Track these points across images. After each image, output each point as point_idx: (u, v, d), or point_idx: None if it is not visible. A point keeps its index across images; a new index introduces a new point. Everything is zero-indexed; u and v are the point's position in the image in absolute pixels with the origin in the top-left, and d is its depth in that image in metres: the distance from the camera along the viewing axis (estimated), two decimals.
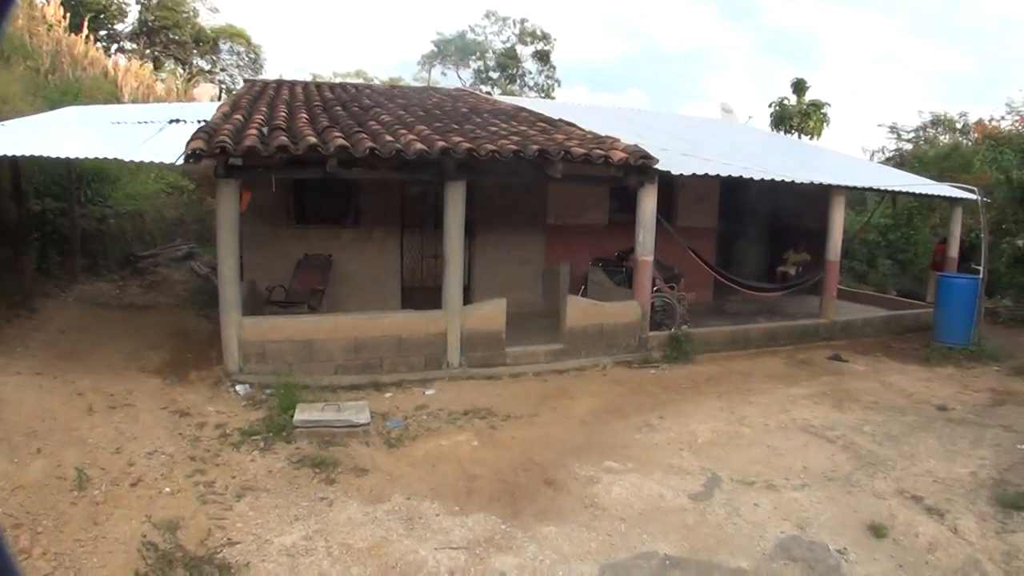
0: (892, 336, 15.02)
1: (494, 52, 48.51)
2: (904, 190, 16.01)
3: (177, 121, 12.30)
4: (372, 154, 9.66)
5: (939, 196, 16.69)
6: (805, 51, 76.70)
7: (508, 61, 47.85)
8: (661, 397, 9.93)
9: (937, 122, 35.06)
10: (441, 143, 10.00)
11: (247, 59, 39.83)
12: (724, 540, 6.03)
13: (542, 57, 48.84)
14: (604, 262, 14.32)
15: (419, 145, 9.89)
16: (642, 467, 7.40)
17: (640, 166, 11.00)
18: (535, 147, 10.38)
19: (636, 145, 11.27)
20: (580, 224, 15.21)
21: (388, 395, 9.58)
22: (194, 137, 9.15)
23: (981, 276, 13.66)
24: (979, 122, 26.15)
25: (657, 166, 11.14)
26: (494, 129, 11.85)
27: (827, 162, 17.55)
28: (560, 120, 13.67)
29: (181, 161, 9.39)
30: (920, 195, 18.33)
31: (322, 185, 12.52)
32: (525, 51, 48.71)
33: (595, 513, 6.42)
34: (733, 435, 8.47)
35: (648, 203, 11.61)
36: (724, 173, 11.91)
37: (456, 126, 11.71)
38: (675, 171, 11.35)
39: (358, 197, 13.62)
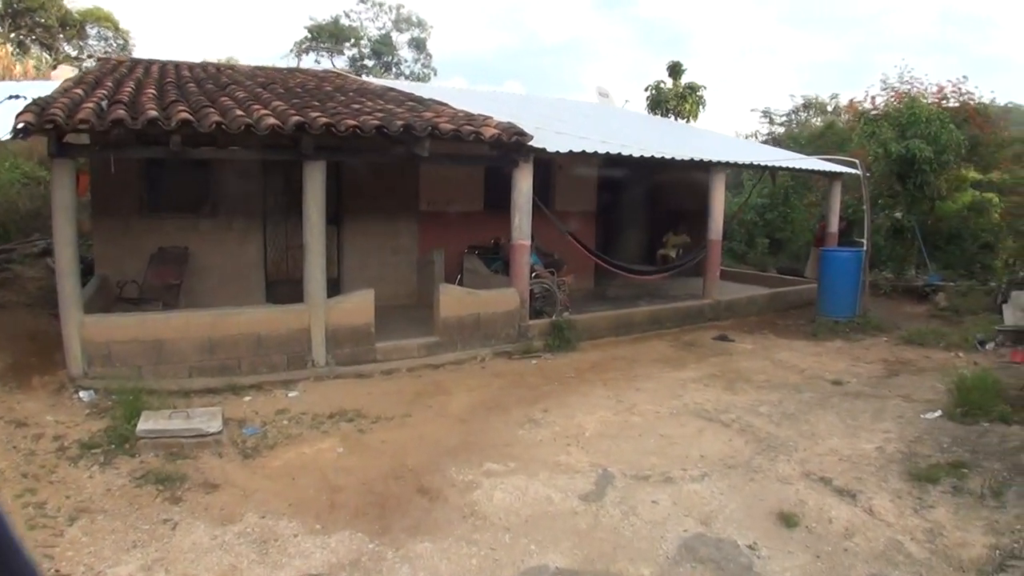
0: (776, 313, 14.80)
1: (369, 39, 47.02)
2: (786, 166, 15.79)
3: (16, 97, 10.92)
4: (219, 129, 8.64)
5: (818, 172, 16.52)
6: (679, 41, 77.94)
7: (383, 48, 46.38)
8: (544, 389, 9.20)
9: (809, 105, 35.69)
10: (297, 118, 9.03)
11: (115, 45, 37.48)
12: (622, 545, 5.28)
13: (418, 45, 47.57)
14: (480, 249, 13.60)
15: (272, 120, 8.89)
16: (526, 467, 6.62)
17: (514, 143, 10.28)
18: (400, 123, 9.52)
19: (510, 122, 10.56)
20: (455, 211, 14.38)
21: (247, 399, 8.56)
22: (24, 110, 7.98)
23: (864, 248, 13.45)
24: (851, 102, 26.52)
25: (532, 143, 10.45)
26: (357, 107, 10.91)
27: (706, 141, 17.22)
28: (431, 100, 12.85)
29: (8, 137, 8.17)
30: (797, 173, 18.29)
31: (177, 170, 11.49)
32: (401, 38, 47.36)
33: (476, 524, 5.59)
34: (623, 425, 7.78)
35: (523, 184, 10.90)
36: (602, 150, 11.26)
37: (317, 103, 10.71)
38: (551, 148, 10.65)
39: (217, 184, 12.43)
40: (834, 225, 16.39)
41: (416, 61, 47.79)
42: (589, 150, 11.12)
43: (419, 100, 12.75)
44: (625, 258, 16.12)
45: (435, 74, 47.67)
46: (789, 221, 22.28)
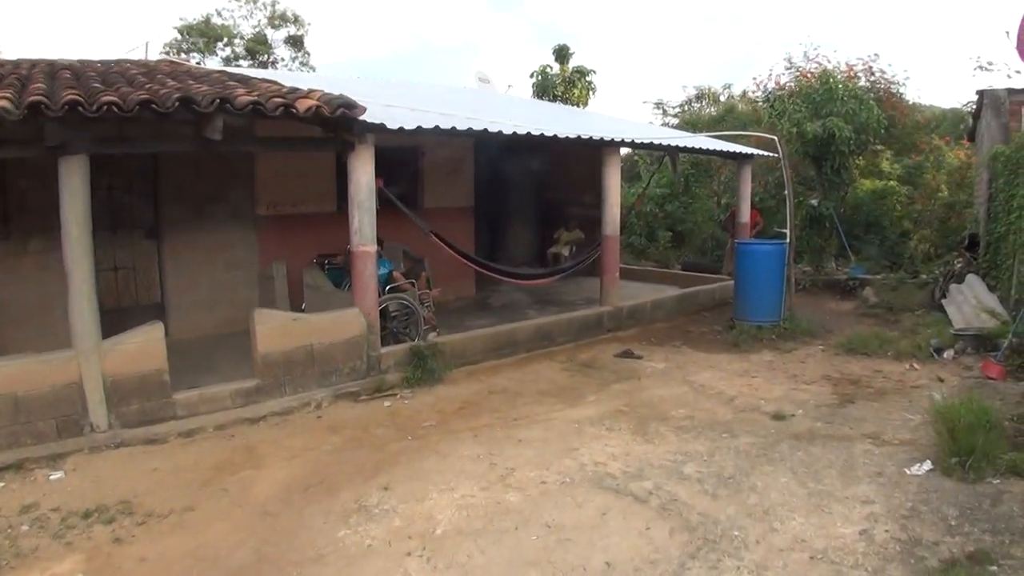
0: (687, 318, 12.70)
1: (242, 38, 43.78)
2: (691, 146, 13.69)
3: None
4: None
5: (728, 154, 14.41)
6: (570, 40, 76.32)
7: (258, 47, 43.16)
8: (392, 448, 6.69)
9: (702, 96, 34.07)
10: (36, 98, 6.32)
11: None
12: None
13: (295, 42, 44.52)
14: (332, 259, 11.03)
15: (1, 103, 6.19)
16: None
17: (340, 118, 7.68)
18: (177, 95, 6.90)
19: (340, 94, 8.01)
20: (302, 213, 11.76)
21: None
22: None
23: (788, 240, 11.33)
24: (745, 93, 25.29)
25: (367, 119, 7.93)
26: (151, 86, 8.21)
27: (597, 122, 14.90)
28: (263, 79, 10.20)
29: None
30: (703, 155, 16.49)
31: None
32: (277, 36, 44.26)
33: None
34: (494, 510, 5.30)
35: (362, 173, 8.38)
36: (462, 127, 8.81)
37: (98, 85, 7.92)
38: (391, 124, 8.10)
39: (7, 195, 9.63)
40: (745, 214, 14.39)
41: (294, 59, 44.74)
42: (444, 126, 8.62)
43: (243, 79, 10.11)
44: (512, 258, 14.39)
45: (314, 72, 44.85)
46: (691, 212, 20.31)
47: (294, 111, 7.43)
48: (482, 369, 9.37)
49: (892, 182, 18.05)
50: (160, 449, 6.85)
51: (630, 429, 6.95)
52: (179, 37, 41.11)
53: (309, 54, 44.40)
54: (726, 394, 8.09)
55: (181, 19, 41.67)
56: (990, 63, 17.08)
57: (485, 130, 8.90)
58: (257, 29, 43.79)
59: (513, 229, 15.95)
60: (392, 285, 9.57)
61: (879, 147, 17.78)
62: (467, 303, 13.16)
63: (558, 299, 13.30)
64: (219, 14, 42.73)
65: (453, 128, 8.61)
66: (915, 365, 9.07)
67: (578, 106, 24.71)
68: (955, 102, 25.71)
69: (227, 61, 41.42)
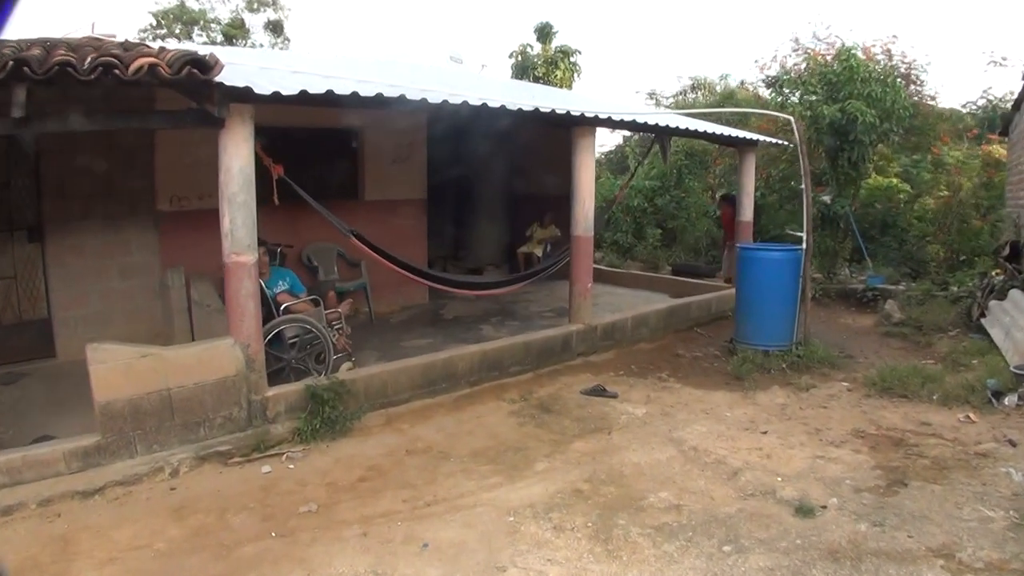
0: (677, 335, 10.63)
1: (219, 23, 41.75)
2: (684, 127, 11.53)
3: None
4: None
5: (727, 139, 12.21)
6: (560, 32, 73.71)
7: (235, 32, 41.13)
8: (243, 552, 4.51)
9: (697, 86, 32.17)
10: None
11: None
12: None
13: (275, 28, 42.52)
14: None
15: None
16: None
17: (186, 78, 5.44)
18: None
19: (210, 54, 5.76)
20: (213, 209, 9.58)
21: None
22: None
23: (804, 245, 9.19)
24: (743, 83, 24.39)
25: (228, 80, 5.66)
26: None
27: (570, 99, 12.74)
28: (160, 48, 7.96)
29: None
30: (695, 145, 14.51)
31: None
32: (256, 21, 42.23)
33: None
34: None
35: (233, 156, 6.16)
36: (368, 92, 6.39)
37: None
38: (261, 90, 5.79)
39: None
40: (748, 211, 12.28)
41: (273, 46, 42.71)
42: (340, 90, 6.26)
43: (130, 47, 7.93)
44: (478, 258, 13.20)
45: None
46: (684, 207, 18.16)
47: (117, 72, 5.24)
48: (407, 413, 7.17)
49: (894, 179, 16.02)
50: None
51: (588, 529, 4.77)
52: (154, 23, 39.13)
53: (289, 40, 42.55)
54: (728, 464, 5.90)
55: (156, 3, 39.76)
56: (1004, 59, 16.18)
57: (402, 96, 6.62)
58: (234, 13, 41.90)
59: (479, 225, 14.01)
60: (286, 305, 7.42)
61: (897, 139, 15.71)
62: (416, 313, 11.07)
63: (524, 310, 11.30)
64: None
65: (354, 94, 6.29)
66: (971, 416, 6.93)
67: (561, 89, 22.74)
68: (953, 103, 23.91)
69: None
